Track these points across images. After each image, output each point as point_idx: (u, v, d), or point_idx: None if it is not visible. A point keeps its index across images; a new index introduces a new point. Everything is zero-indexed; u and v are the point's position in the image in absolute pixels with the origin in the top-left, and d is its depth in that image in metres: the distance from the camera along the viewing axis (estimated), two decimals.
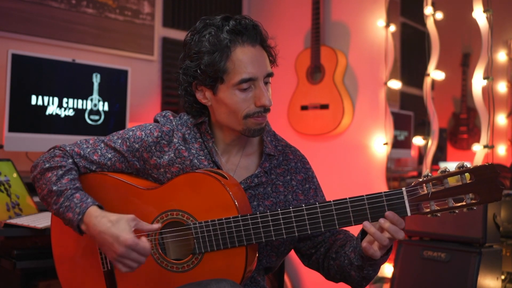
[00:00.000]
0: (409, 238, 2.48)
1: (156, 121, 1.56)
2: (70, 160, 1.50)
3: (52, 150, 1.53)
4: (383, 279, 2.98)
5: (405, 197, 1.29)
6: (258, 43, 1.44)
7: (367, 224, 1.30)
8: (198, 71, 1.42)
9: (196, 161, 1.48)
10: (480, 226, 2.23)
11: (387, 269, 2.98)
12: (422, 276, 2.35)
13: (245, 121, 1.43)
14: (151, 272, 1.44)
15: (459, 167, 1.24)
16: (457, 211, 1.27)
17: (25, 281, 2.03)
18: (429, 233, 2.40)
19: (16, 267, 1.83)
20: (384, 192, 1.30)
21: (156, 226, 1.40)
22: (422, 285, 2.35)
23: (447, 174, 1.26)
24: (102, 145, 1.53)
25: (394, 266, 2.46)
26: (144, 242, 1.34)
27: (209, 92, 1.45)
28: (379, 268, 1.41)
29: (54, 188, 1.43)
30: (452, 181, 1.26)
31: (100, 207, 1.42)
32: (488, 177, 1.23)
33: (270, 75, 1.45)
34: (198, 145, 1.51)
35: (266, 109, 1.44)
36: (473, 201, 1.25)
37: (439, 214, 1.28)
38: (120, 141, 1.52)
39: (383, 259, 1.37)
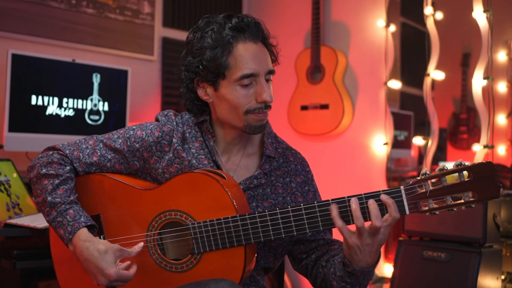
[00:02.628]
0: (409, 238, 2.47)
1: (157, 120, 1.56)
2: (68, 168, 1.49)
3: (50, 152, 1.50)
4: (383, 279, 2.98)
5: (404, 196, 1.29)
6: (260, 40, 1.44)
7: (353, 199, 1.30)
8: (200, 66, 1.43)
9: (194, 161, 1.48)
10: (480, 226, 2.22)
11: (387, 269, 2.98)
12: (422, 276, 2.35)
13: (246, 117, 1.43)
14: (150, 272, 1.44)
15: (457, 165, 1.24)
16: (455, 209, 1.27)
17: (25, 281, 2.02)
18: (429, 233, 2.40)
19: (16, 267, 1.83)
20: (382, 190, 1.30)
21: (137, 249, 1.41)
22: (422, 285, 2.34)
23: (445, 172, 1.26)
24: (101, 145, 1.52)
25: (394, 266, 2.46)
26: (127, 273, 1.37)
27: (211, 88, 1.45)
28: (358, 283, 1.38)
29: (49, 198, 1.43)
30: (450, 179, 1.26)
31: (93, 227, 1.43)
32: (486, 175, 1.23)
33: (271, 72, 1.45)
34: (199, 144, 1.51)
35: (267, 106, 1.44)
36: (472, 199, 1.25)
37: (437, 212, 1.28)
38: (121, 140, 1.51)
39: (363, 274, 1.34)
